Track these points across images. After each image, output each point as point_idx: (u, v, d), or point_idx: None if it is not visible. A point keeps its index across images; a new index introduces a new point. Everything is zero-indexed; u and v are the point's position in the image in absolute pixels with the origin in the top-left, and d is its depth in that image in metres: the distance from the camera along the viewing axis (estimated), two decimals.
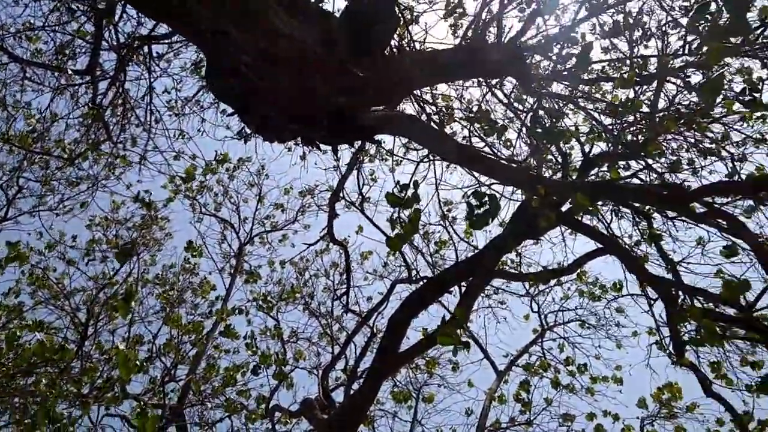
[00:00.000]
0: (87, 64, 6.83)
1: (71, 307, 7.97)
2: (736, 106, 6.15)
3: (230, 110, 4.45)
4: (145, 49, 6.96)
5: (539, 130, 4.90)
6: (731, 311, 5.81)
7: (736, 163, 6.54)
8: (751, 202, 6.62)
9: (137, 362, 4.10)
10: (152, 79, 7.07)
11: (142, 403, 7.26)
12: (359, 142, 6.89)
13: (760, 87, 4.83)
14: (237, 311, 9.18)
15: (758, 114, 6.28)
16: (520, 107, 6.89)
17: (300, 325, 10.14)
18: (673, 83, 6.58)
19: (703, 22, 2.56)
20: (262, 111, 4.19)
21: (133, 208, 8.72)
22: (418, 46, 5.74)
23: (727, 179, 6.29)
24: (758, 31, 5.84)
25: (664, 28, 6.33)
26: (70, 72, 7.04)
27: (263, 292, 9.83)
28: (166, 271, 9.23)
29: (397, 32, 5.22)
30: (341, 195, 9.32)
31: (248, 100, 4.13)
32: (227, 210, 10.42)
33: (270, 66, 3.73)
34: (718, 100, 6.25)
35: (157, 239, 9.11)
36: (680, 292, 6.22)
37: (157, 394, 8.12)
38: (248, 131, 6.78)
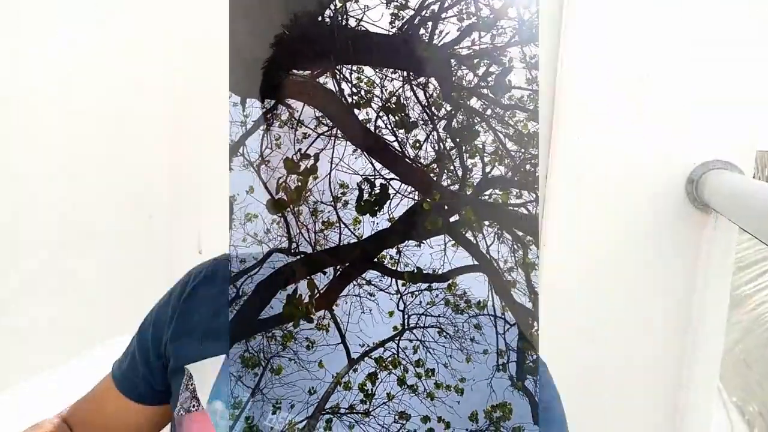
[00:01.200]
0: None
1: None
2: None
3: None
4: None
5: (455, 127, 5.00)
6: None
7: None
8: None
9: None
10: None
11: None
12: (271, 102, 6.75)
13: None
14: None
15: None
16: (437, 113, 7.02)
17: None
18: None
19: None
20: None
21: None
22: (353, 23, 5.72)
23: None
24: None
25: None
26: None
27: None
28: None
29: (334, 4, 5.16)
30: (240, 151, 9.13)
31: None
32: None
33: None
34: None
35: None
36: (535, 323, 6.59)
37: None
38: None
